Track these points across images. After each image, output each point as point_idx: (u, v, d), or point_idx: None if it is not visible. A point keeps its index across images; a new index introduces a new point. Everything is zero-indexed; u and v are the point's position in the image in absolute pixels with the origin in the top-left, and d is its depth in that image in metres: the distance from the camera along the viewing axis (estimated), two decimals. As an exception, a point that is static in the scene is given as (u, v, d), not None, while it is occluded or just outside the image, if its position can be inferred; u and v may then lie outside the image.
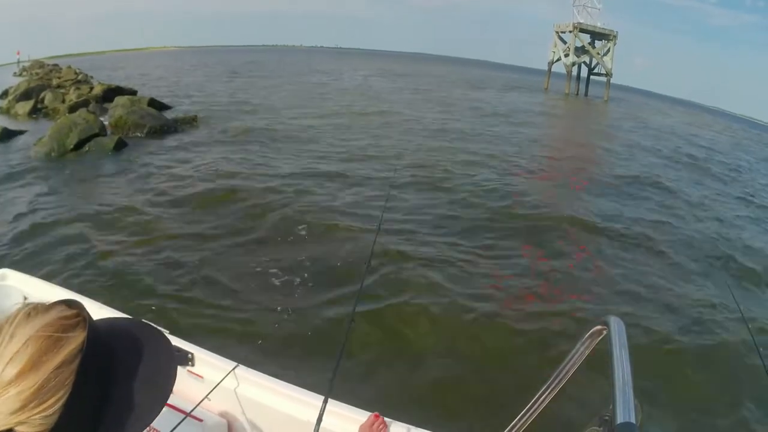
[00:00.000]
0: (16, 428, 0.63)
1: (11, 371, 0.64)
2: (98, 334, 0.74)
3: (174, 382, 0.83)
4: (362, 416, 2.04)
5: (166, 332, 2.45)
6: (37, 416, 0.64)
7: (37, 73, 36.37)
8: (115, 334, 0.79)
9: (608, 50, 55.13)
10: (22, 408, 0.63)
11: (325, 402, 1.89)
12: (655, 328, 6.09)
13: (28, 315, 0.70)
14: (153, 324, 0.88)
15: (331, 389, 1.92)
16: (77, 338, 0.69)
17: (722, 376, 5.34)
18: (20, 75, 39.24)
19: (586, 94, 56.93)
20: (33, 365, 0.65)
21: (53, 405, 0.64)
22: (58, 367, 0.66)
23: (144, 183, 10.55)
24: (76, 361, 0.68)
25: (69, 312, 0.73)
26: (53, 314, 0.71)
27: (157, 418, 2.24)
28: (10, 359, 0.65)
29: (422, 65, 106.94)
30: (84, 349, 0.69)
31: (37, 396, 0.64)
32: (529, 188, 12.18)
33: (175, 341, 2.51)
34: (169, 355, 0.86)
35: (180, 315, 5.63)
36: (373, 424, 1.89)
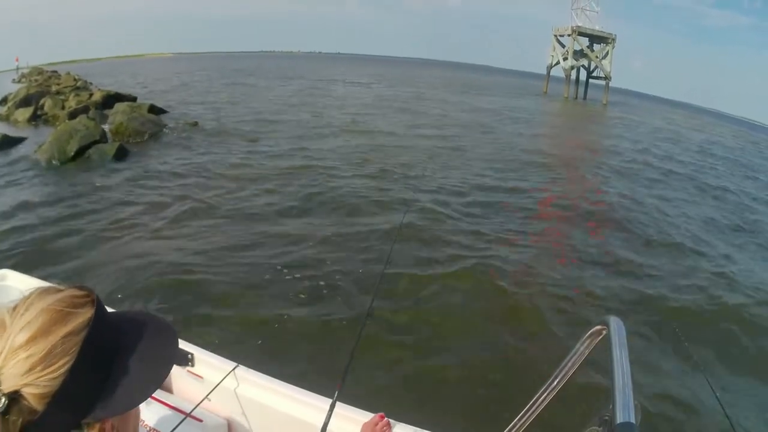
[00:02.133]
0: (23, 390, 0.69)
1: (23, 337, 0.71)
2: (106, 314, 0.83)
3: (171, 367, 0.92)
4: (365, 417, 2.04)
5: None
6: (43, 378, 0.70)
7: (36, 80, 36.30)
8: (123, 317, 0.89)
9: (607, 53, 55.23)
10: (31, 370, 0.70)
11: (333, 406, 1.89)
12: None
13: (43, 293, 0.79)
14: (164, 319, 0.94)
15: (341, 392, 1.92)
16: (85, 314, 0.77)
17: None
18: (19, 81, 39.11)
19: (584, 98, 56.99)
20: (43, 333, 0.72)
21: (59, 369, 0.71)
22: (66, 336, 0.73)
23: (145, 188, 10.55)
24: (83, 333, 0.75)
25: (80, 293, 0.81)
26: (65, 293, 0.79)
27: (157, 418, 2.25)
28: (23, 327, 0.72)
29: (421, 70, 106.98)
30: (91, 324, 0.77)
31: (45, 360, 0.71)
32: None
33: None
34: (172, 342, 0.93)
35: (180, 315, 5.65)
36: (377, 424, 1.89)
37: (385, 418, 1.90)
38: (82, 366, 0.73)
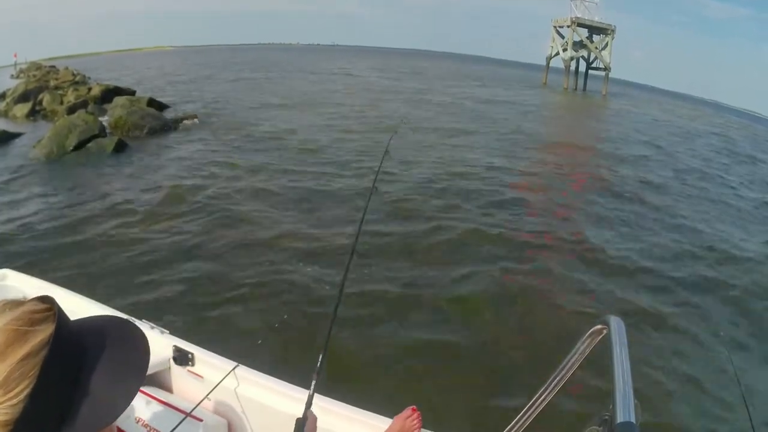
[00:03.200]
0: None
1: None
2: (67, 328, 0.76)
3: (144, 375, 0.84)
4: (366, 417, 2.05)
5: (166, 331, 2.46)
6: (2, 405, 0.65)
7: (34, 75, 36.23)
8: (86, 329, 0.81)
9: (606, 44, 55.06)
10: None
11: (311, 397, 1.88)
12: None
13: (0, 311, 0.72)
14: (133, 321, 0.88)
15: (316, 385, 1.92)
16: (44, 331, 0.71)
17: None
18: (17, 77, 39.11)
19: (584, 89, 56.87)
20: None
21: (18, 395, 0.66)
22: (23, 358, 0.67)
23: (144, 183, 10.56)
24: (42, 353, 0.69)
25: (39, 306, 0.74)
26: (23, 309, 0.73)
27: (157, 418, 2.26)
28: None
29: (420, 61, 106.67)
30: (51, 342, 0.70)
31: (2, 386, 0.66)
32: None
33: (176, 341, 2.52)
34: (139, 348, 0.85)
35: (180, 315, 5.65)
36: (408, 416, 1.88)
37: (417, 412, 1.90)
38: (43, 389, 0.68)
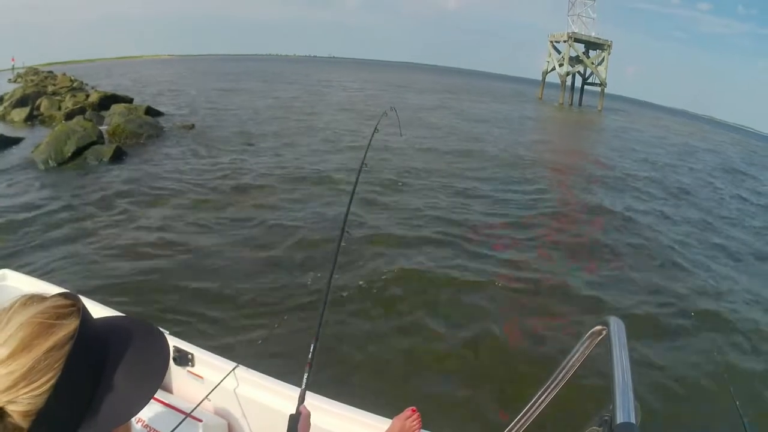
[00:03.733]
0: (6, 407, 0.67)
1: (3, 352, 0.68)
2: (92, 324, 0.78)
3: (163, 378, 0.85)
4: (365, 417, 2.06)
5: (165, 332, 2.47)
6: (26, 395, 0.67)
7: (32, 80, 36.19)
8: (110, 327, 0.83)
9: (602, 60, 55.36)
10: (13, 387, 0.67)
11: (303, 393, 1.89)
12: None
13: (25, 303, 0.74)
14: (151, 323, 0.90)
15: (308, 379, 1.93)
16: (69, 326, 0.73)
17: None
18: (15, 81, 39.03)
19: (580, 104, 57.09)
20: (24, 348, 0.68)
21: (42, 386, 0.68)
22: (49, 350, 0.69)
23: (142, 190, 10.53)
24: (67, 347, 0.71)
25: (64, 302, 0.77)
26: (48, 303, 0.75)
27: (157, 418, 2.26)
28: (4, 342, 0.69)
29: (416, 75, 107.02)
30: (75, 336, 0.72)
31: (27, 377, 0.67)
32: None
33: (176, 342, 2.52)
34: (162, 351, 0.88)
35: (179, 316, 5.67)
36: (408, 417, 1.89)
37: (417, 413, 1.91)
38: (67, 382, 0.70)
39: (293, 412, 1.83)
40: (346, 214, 2.34)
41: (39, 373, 0.68)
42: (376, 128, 3.10)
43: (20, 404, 0.67)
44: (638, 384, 0.89)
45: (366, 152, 2.73)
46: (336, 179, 11.76)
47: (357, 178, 2.56)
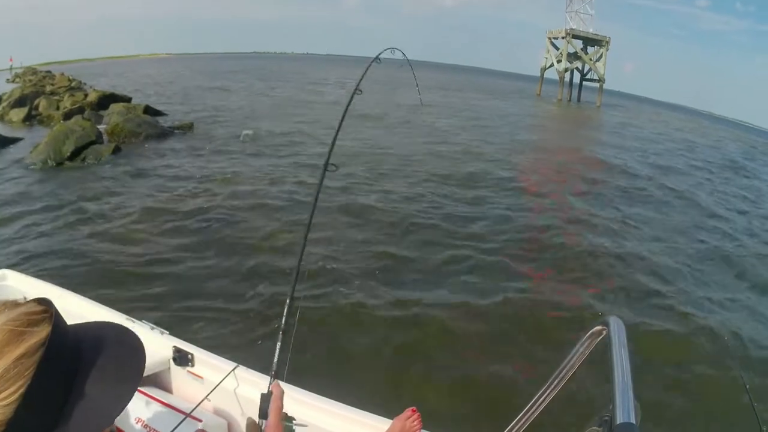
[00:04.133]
0: None
1: None
2: (64, 331, 0.76)
3: (137, 384, 0.84)
4: (365, 417, 2.06)
5: (166, 332, 2.47)
6: None
7: (30, 80, 36.18)
8: (83, 332, 0.81)
9: (601, 56, 55.32)
10: None
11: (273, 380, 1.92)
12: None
13: None
14: (133, 321, 0.89)
15: (279, 371, 1.97)
16: (41, 333, 0.71)
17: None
18: (13, 81, 38.99)
19: (578, 100, 57.06)
20: None
21: (12, 395, 0.66)
22: (18, 358, 0.68)
23: (141, 190, 10.54)
24: (37, 354, 0.69)
25: (36, 308, 0.75)
26: (20, 310, 0.73)
27: (157, 418, 2.26)
28: None
29: (409, 72, 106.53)
30: (47, 343, 0.71)
31: None
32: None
33: (176, 342, 2.52)
34: (136, 356, 0.86)
35: (179, 314, 5.69)
36: (408, 417, 1.89)
37: (417, 413, 1.91)
38: (38, 390, 0.68)
39: (293, 412, 1.83)
40: (312, 213, 2.36)
41: (8, 382, 0.66)
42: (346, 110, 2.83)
43: None
44: (638, 384, 0.89)
45: (330, 153, 2.60)
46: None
47: (322, 177, 2.53)
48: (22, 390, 0.67)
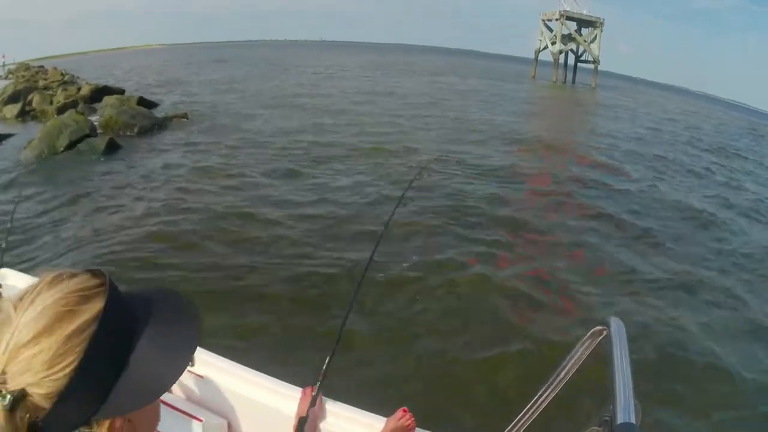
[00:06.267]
0: (29, 389, 0.66)
1: (26, 335, 0.67)
2: (118, 303, 0.76)
3: (193, 353, 0.83)
4: (364, 417, 2.06)
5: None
6: (48, 378, 0.67)
7: (23, 76, 35.88)
8: (138, 299, 0.81)
9: (595, 37, 55.17)
10: (35, 369, 0.67)
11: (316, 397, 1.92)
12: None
13: (50, 283, 0.73)
14: (183, 296, 0.88)
15: (322, 384, 1.97)
16: (94, 308, 0.72)
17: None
18: (6, 78, 38.73)
19: (573, 82, 56.99)
20: (47, 330, 0.68)
21: (65, 369, 0.67)
22: (71, 334, 0.69)
23: (137, 183, 10.49)
24: (90, 329, 0.70)
25: (91, 282, 0.75)
26: (74, 283, 0.74)
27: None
28: (27, 323, 0.68)
29: (413, 57, 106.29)
30: (100, 319, 0.71)
31: (50, 359, 0.67)
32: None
33: None
34: (192, 325, 0.85)
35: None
36: (401, 418, 1.90)
37: (408, 413, 1.92)
38: (90, 364, 0.69)
39: (294, 412, 1.84)
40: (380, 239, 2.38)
41: (61, 357, 0.68)
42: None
43: (42, 386, 0.67)
44: (638, 384, 0.89)
45: (404, 192, 2.89)
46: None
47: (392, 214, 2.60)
48: (75, 364, 0.68)
